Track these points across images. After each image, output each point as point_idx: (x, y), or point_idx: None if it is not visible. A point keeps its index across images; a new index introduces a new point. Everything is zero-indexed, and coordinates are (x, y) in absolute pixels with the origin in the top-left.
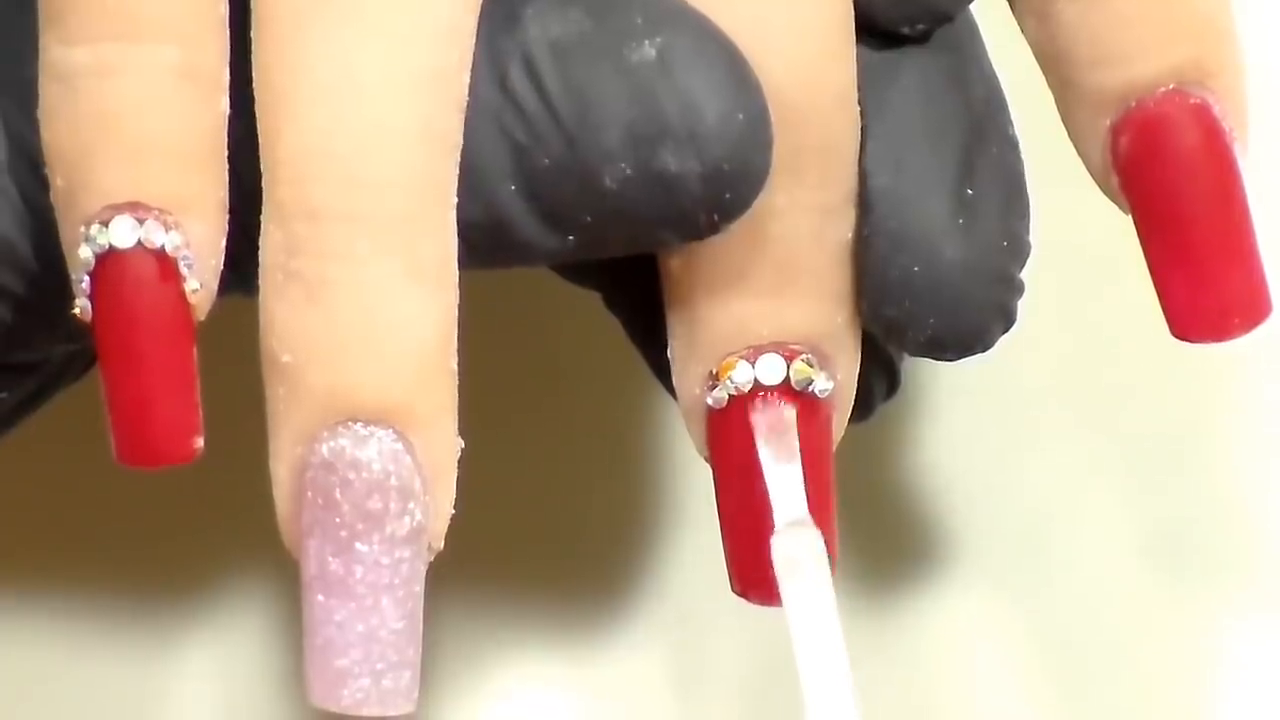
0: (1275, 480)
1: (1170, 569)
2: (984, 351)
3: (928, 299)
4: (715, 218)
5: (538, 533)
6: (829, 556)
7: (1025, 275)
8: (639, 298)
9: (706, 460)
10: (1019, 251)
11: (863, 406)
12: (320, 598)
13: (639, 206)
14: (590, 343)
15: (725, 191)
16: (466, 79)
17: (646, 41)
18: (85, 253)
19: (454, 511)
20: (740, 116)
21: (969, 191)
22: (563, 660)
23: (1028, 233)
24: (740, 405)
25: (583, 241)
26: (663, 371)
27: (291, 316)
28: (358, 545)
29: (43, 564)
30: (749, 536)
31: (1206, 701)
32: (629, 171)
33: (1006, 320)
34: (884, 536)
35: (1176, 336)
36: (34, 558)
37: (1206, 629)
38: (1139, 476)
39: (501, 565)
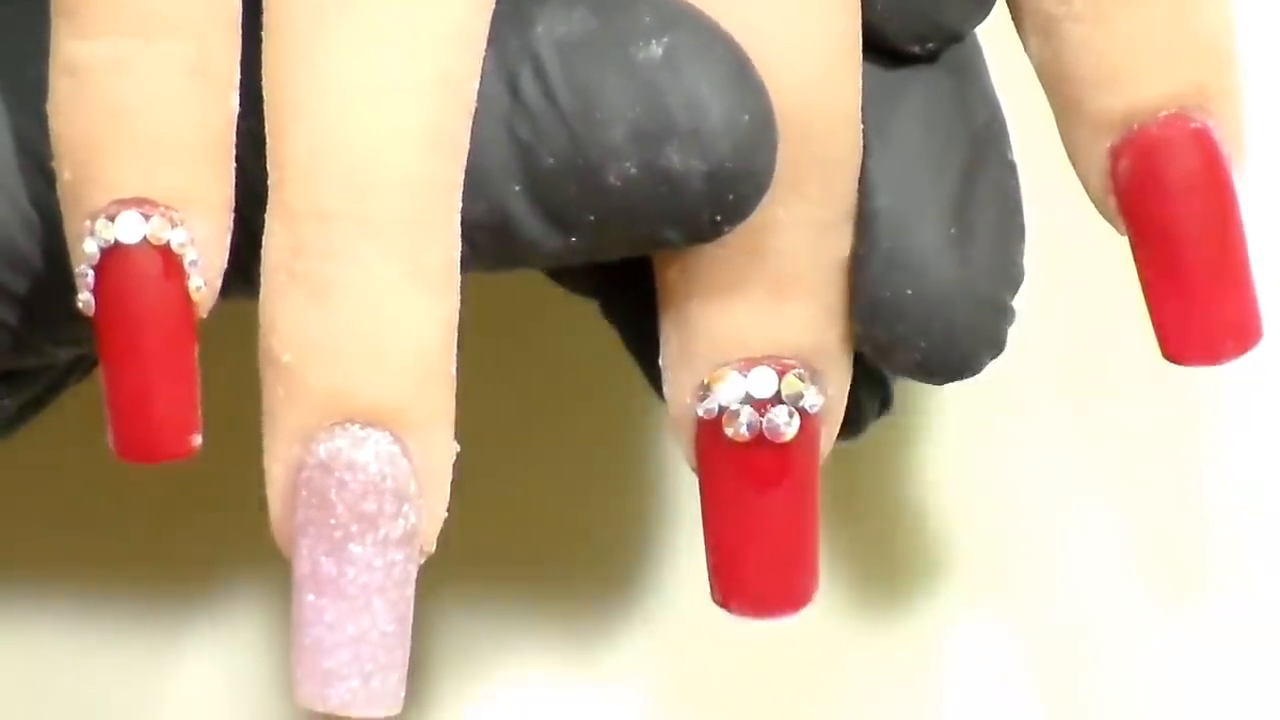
0: (1267, 489)
1: (1163, 577)
2: (971, 377)
3: (919, 322)
4: (718, 218)
5: (538, 534)
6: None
7: (1021, 292)
8: (635, 306)
9: (693, 469)
10: (1012, 278)
11: (854, 424)
12: (311, 597)
13: (642, 205)
14: (590, 346)
15: (728, 191)
16: (476, 84)
17: (654, 41)
18: (90, 247)
19: (456, 514)
20: (745, 116)
21: (966, 215)
22: (562, 661)
23: (1022, 258)
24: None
25: (586, 242)
26: (657, 380)
27: (294, 317)
28: (351, 546)
29: (42, 564)
30: (731, 548)
31: (1200, 708)
32: (633, 169)
33: (996, 347)
34: (877, 546)
35: (1168, 359)
36: (33, 558)
37: (1199, 637)
38: (1132, 486)
39: (501, 567)
